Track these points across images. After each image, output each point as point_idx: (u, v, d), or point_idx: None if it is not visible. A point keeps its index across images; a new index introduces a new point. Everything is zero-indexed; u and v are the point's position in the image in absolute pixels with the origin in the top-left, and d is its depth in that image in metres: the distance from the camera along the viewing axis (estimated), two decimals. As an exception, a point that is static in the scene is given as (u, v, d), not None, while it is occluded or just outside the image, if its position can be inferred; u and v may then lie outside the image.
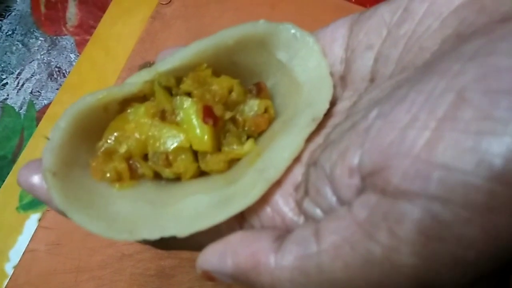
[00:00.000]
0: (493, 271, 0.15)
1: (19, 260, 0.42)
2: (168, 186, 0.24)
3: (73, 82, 0.48)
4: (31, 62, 0.50)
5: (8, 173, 0.46)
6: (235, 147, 0.24)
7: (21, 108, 0.48)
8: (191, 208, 0.21)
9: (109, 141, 0.23)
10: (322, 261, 0.16)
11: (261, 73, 0.25)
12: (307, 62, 0.23)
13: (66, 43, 0.51)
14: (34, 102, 0.49)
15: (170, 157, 0.23)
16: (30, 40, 0.51)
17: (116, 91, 0.23)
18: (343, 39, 0.23)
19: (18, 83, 0.49)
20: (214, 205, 0.21)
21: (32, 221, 0.45)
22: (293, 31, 0.23)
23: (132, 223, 0.21)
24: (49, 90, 0.49)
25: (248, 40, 0.23)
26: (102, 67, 0.48)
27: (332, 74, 0.23)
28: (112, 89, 0.22)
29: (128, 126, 0.23)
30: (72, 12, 0.52)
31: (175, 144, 0.23)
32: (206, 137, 0.22)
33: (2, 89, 0.49)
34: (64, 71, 0.50)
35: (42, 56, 0.50)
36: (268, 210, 0.21)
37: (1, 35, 0.51)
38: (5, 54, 0.50)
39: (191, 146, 0.23)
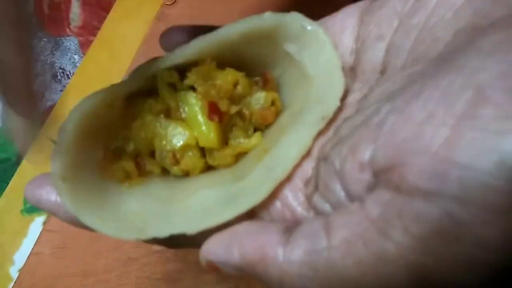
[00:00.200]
0: (505, 271, 0.14)
1: (24, 264, 0.42)
2: (176, 181, 0.23)
3: (77, 84, 0.48)
4: (34, 63, 0.50)
5: (12, 176, 0.46)
6: (242, 140, 0.23)
7: (25, 110, 0.48)
8: (199, 204, 0.21)
9: (115, 140, 0.23)
10: (332, 256, 0.16)
11: (267, 63, 0.24)
12: (318, 55, 0.23)
13: (70, 44, 0.51)
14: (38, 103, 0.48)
15: (177, 155, 0.23)
16: (34, 41, 0.50)
17: (119, 88, 0.22)
18: (353, 28, 0.23)
19: None
20: (223, 201, 0.21)
21: (37, 224, 0.44)
22: (301, 22, 0.22)
23: (142, 222, 0.21)
24: (53, 91, 0.49)
25: (254, 34, 0.22)
26: (107, 68, 0.48)
27: (342, 66, 0.22)
28: (115, 86, 0.22)
29: (134, 124, 0.23)
30: (76, 13, 0.52)
31: (182, 142, 0.22)
32: (212, 134, 0.22)
33: (5, 91, 0.49)
34: (68, 73, 0.49)
35: (46, 57, 0.50)
36: (277, 204, 0.21)
37: (4, 36, 0.51)
38: (9, 55, 0.50)
39: (197, 143, 0.23)
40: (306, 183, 0.20)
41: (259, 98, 0.24)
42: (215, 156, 0.23)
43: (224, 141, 0.23)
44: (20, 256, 0.43)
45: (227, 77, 0.23)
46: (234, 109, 0.23)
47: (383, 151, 0.16)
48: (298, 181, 0.21)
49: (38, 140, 0.22)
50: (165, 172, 0.24)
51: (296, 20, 0.22)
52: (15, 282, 0.41)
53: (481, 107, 0.14)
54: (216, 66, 0.23)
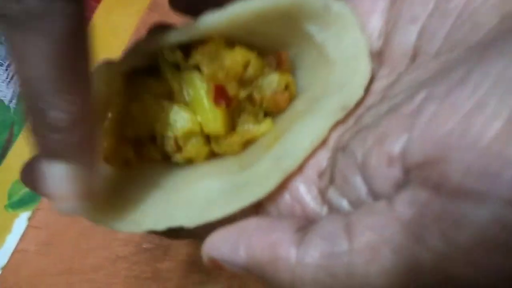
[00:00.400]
0: None
1: (8, 261, 0.41)
2: (178, 168, 0.22)
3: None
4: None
5: (-3, 168, 0.44)
6: (251, 126, 0.22)
7: (10, 102, 0.47)
8: (201, 194, 0.20)
9: (114, 122, 0.21)
10: (353, 262, 0.14)
11: (282, 41, 0.22)
12: (342, 38, 0.21)
13: (59, 34, 0.49)
14: (24, 95, 0.47)
15: (180, 142, 0.21)
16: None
17: (116, 65, 0.20)
18: (383, 9, 0.21)
19: (8, 75, 0.47)
20: (226, 192, 0.19)
21: (21, 220, 0.43)
22: (325, 1, 0.20)
23: (138, 213, 0.19)
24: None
25: (270, 13, 0.20)
26: (97, 60, 0.46)
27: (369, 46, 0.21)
28: (112, 63, 0.20)
29: (133, 107, 0.21)
30: (66, 2, 0.50)
31: (185, 128, 0.21)
32: (218, 120, 0.21)
33: (-9, 82, 0.47)
34: (57, 64, 0.48)
35: (34, 48, 0.48)
36: (287, 197, 0.19)
37: (-10, 25, 0.49)
38: (-6, 45, 0.48)
39: (202, 129, 0.21)
40: (320, 174, 0.19)
41: (272, 81, 0.22)
42: (221, 144, 0.21)
43: (231, 126, 0.22)
44: (4, 253, 0.41)
45: (237, 58, 0.21)
46: (243, 94, 0.21)
47: (419, 144, 0.14)
48: (311, 172, 0.19)
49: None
50: (166, 158, 0.22)
51: None
52: (-2, 280, 0.40)
53: None
54: (224, 44, 0.21)
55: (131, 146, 0.21)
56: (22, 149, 0.44)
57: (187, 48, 0.21)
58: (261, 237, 0.17)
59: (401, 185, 0.15)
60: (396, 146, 0.15)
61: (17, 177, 0.43)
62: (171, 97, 0.21)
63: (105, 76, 0.20)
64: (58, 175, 0.17)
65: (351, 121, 0.19)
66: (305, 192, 0.19)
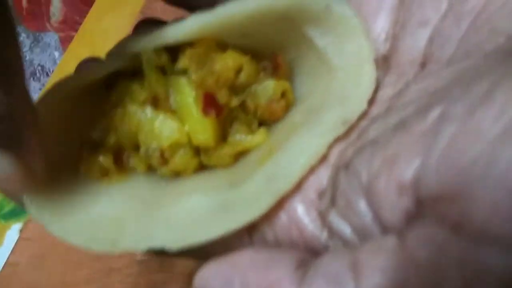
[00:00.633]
0: None
1: (-1, 274, 0.40)
2: (163, 181, 0.20)
3: (57, 82, 0.45)
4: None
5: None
6: (243, 137, 0.20)
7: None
8: (186, 212, 0.18)
9: (93, 131, 0.20)
10: None
11: (279, 44, 0.20)
12: (344, 44, 0.19)
13: (50, 40, 0.48)
14: (15, 103, 0.46)
15: (166, 153, 0.19)
16: (11, 36, 0.48)
17: (97, 70, 0.19)
18: (391, 10, 0.19)
19: None
20: (213, 211, 0.18)
21: (13, 231, 0.42)
22: (326, 1, 0.18)
23: (117, 229, 0.18)
24: (31, 90, 0.46)
25: (266, 15, 0.18)
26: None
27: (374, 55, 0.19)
28: (91, 68, 0.19)
29: (115, 114, 0.19)
30: (56, 7, 0.49)
31: (171, 139, 0.19)
32: (207, 131, 0.19)
33: (-20, 90, 0.46)
34: (47, 70, 0.47)
35: (24, 54, 0.47)
36: (283, 218, 0.17)
37: (-20, 31, 0.48)
38: (-16, 51, 0.48)
39: (190, 139, 0.19)
40: (320, 194, 0.17)
41: (267, 88, 0.20)
42: (211, 156, 0.19)
43: (222, 136, 0.20)
44: (-5, 267, 0.40)
45: (228, 62, 0.19)
46: (235, 102, 0.19)
47: (436, 173, 0.12)
48: (310, 191, 0.17)
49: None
50: (151, 169, 0.20)
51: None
52: (-12, 294, 0.39)
53: None
54: (215, 47, 0.19)
55: (111, 155, 0.20)
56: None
57: (174, 49, 0.19)
58: (257, 275, 0.15)
59: (412, 217, 0.13)
60: (408, 172, 0.13)
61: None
62: (156, 104, 0.19)
63: (82, 84, 0.19)
64: None
65: (354, 134, 0.18)
66: (303, 214, 0.17)
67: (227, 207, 0.17)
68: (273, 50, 0.20)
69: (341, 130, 0.18)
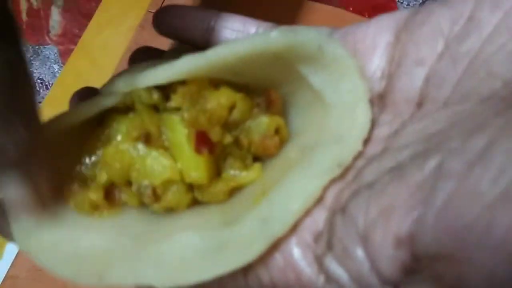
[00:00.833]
0: None
1: (-2, 289, 0.39)
2: (156, 216, 0.20)
3: (56, 95, 0.44)
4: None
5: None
6: (237, 173, 0.19)
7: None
8: (177, 250, 0.17)
9: (84, 165, 0.19)
10: None
11: (273, 80, 0.20)
12: (338, 82, 0.18)
13: (49, 53, 0.48)
14: (14, 116, 0.46)
15: (158, 190, 0.19)
16: (11, 50, 0.48)
17: (89, 108, 0.19)
18: (386, 47, 0.18)
19: None
20: (204, 251, 0.17)
21: (12, 245, 0.41)
22: (319, 42, 0.18)
23: (105, 263, 0.17)
24: (31, 103, 0.46)
25: (257, 56, 0.18)
26: (88, 78, 0.45)
27: (369, 93, 0.18)
28: (82, 105, 0.19)
29: (107, 150, 0.19)
30: (56, 20, 0.49)
31: (164, 176, 0.19)
32: (200, 168, 0.18)
33: (-20, 103, 0.46)
34: (47, 83, 0.47)
35: (24, 67, 0.47)
36: (279, 260, 0.16)
37: (-21, 44, 0.48)
38: (-16, 65, 0.47)
39: (183, 177, 0.19)
40: (317, 238, 0.16)
41: (260, 124, 0.19)
42: (205, 192, 0.19)
43: (216, 172, 0.19)
44: (-5, 280, 0.40)
45: (221, 100, 0.19)
46: (228, 138, 0.19)
47: (433, 232, 0.12)
48: (306, 233, 0.17)
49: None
50: (144, 204, 0.20)
51: (312, 39, 0.18)
52: (-12, 308, 0.39)
53: None
54: (208, 84, 0.19)
55: (100, 191, 0.19)
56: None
57: (166, 86, 0.19)
58: None
59: (409, 271, 0.13)
60: (405, 226, 0.13)
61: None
62: (149, 141, 0.19)
63: (75, 123, 0.19)
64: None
65: (350, 175, 0.17)
66: (299, 258, 0.16)
67: (219, 249, 0.17)
68: (266, 85, 0.20)
69: (336, 172, 0.17)
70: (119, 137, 0.19)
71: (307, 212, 0.17)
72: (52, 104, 0.44)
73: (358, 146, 0.18)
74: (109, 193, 0.20)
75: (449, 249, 0.11)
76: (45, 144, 0.18)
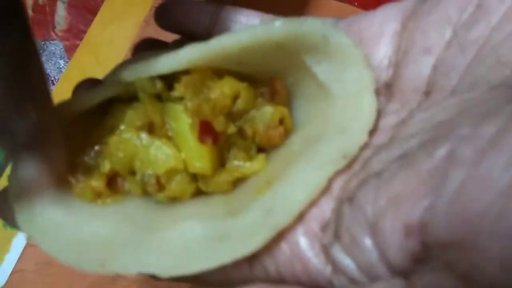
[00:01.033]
0: None
1: (6, 281, 0.39)
2: (159, 205, 0.19)
3: (62, 91, 0.44)
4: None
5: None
6: (241, 163, 0.19)
7: (7, 118, 0.46)
8: (180, 239, 0.17)
9: (88, 154, 0.19)
10: None
11: (276, 70, 0.19)
12: (343, 72, 0.18)
13: (55, 48, 0.48)
14: (21, 111, 0.46)
15: (162, 180, 0.19)
16: (17, 45, 0.48)
17: (92, 97, 0.19)
18: (393, 35, 0.18)
19: None
20: (207, 241, 0.17)
21: (20, 239, 0.41)
22: (323, 32, 0.17)
23: (108, 251, 0.17)
24: (37, 98, 0.46)
25: (260, 46, 0.18)
26: (93, 74, 0.45)
27: (375, 82, 0.18)
28: (88, 94, 0.19)
29: (111, 140, 0.19)
30: (61, 16, 0.49)
31: (167, 165, 0.18)
32: (204, 159, 0.18)
33: (-13, 98, 0.47)
34: (52, 78, 0.47)
35: (30, 63, 0.48)
36: (286, 250, 0.16)
37: (-14, 40, 0.48)
38: (-10, 60, 0.48)
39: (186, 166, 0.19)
40: (324, 227, 0.16)
41: (265, 114, 0.19)
42: (208, 182, 0.19)
43: (220, 162, 0.19)
44: (2, 273, 0.40)
45: (225, 89, 0.18)
46: (232, 128, 0.19)
47: (445, 220, 0.12)
48: (313, 223, 0.16)
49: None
50: (147, 192, 0.19)
51: (316, 29, 0.17)
52: (-4, 301, 0.40)
53: None
54: (211, 74, 0.19)
55: (103, 179, 0.19)
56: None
57: (170, 76, 0.18)
58: None
59: (419, 260, 0.13)
60: (415, 214, 0.13)
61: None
62: (152, 130, 0.19)
63: (77, 109, 0.18)
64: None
65: (356, 165, 0.17)
66: (306, 247, 0.16)
67: (223, 238, 0.17)
68: (270, 75, 0.20)
69: (342, 163, 0.17)
70: (122, 127, 0.19)
71: (314, 202, 0.17)
72: (58, 99, 0.44)
73: (364, 137, 0.17)
74: (113, 181, 0.19)
75: (461, 236, 0.11)
76: (58, 127, 0.18)
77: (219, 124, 0.18)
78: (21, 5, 0.15)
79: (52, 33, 0.49)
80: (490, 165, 0.11)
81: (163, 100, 0.19)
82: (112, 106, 0.19)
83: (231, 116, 0.19)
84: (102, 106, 0.20)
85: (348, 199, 0.16)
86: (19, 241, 0.41)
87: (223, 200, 0.19)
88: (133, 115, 0.19)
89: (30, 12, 0.49)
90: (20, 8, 0.15)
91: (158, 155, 0.18)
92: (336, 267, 0.15)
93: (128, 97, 0.19)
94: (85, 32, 0.48)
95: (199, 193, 0.19)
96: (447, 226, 0.12)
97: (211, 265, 0.16)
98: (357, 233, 0.15)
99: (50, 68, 0.47)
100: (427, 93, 0.17)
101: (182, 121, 0.18)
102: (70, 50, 0.48)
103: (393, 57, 0.18)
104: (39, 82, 0.16)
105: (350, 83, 0.18)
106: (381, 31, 0.18)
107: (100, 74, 0.45)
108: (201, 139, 0.18)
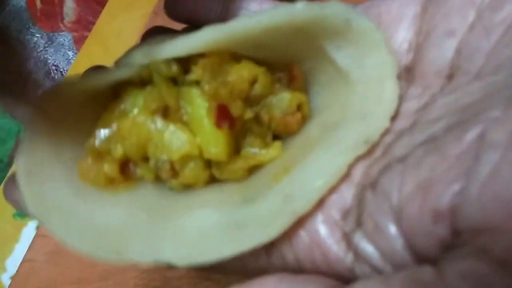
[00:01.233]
0: None
1: (17, 271, 0.40)
2: (172, 192, 0.19)
3: (71, 81, 0.45)
4: (27, 60, 0.48)
5: (4, 178, 0.44)
6: (257, 150, 0.19)
7: (17, 109, 0.46)
8: (195, 226, 0.17)
9: (98, 139, 0.18)
10: None
11: (295, 55, 0.19)
12: (364, 57, 0.18)
13: (64, 39, 0.48)
14: (30, 102, 0.46)
15: (176, 166, 0.18)
16: (26, 36, 0.48)
17: (105, 76, 0.18)
18: (413, 18, 0.18)
19: None
20: (223, 228, 0.16)
21: (29, 228, 0.42)
22: (346, 15, 0.17)
23: (122, 239, 0.17)
24: (46, 89, 0.46)
25: (281, 28, 0.17)
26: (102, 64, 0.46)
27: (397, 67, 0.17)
28: (100, 72, 0.18)
29: (123, 124, 0.18)
30: (70, 7, 0.50)
31: (182, 150, 0.18)
32: (220, 144, 0.18)
33: (-4, 89, 0.47)
34: (61, 70, 0.47)
35: (39, 54, 0.47)
36: (305, 238, 0.16)
37: (-5, 31, 0.49)
38: None
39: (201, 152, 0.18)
40: (344, 214, 0.16)
41: (282, 100, 0.19)
42: (223, 169, 0.18)
43: (235, 149, 0.19)
44: (12, 263, 0.40)
45: (243, 73, 0.18)
46: (249, 114, 0.18)
47: (478, 203, 0.11)
48: (333, 210, 0.16)
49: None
50: (160, 178, 0.19)
51: (339, 13, 0.17)
52: (7, 290, 0.40)
53: None
54: (229, 57, 0.18)
55: (116, 164, 0.19)
56: (29, 157, 0.44)
57: (186, 59, 0.18)
58: None
59: (448, 246, 0.12)
60: (445, 199, 0.12)
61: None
62: (167, 114, 0.18)
63: (90, 87, 0.18)
64: None
65: (378, 151, 0.16)
66: (326, 235, 0.16)
67: (239, 225, 0.16)
68: (287, 60, 0.19)
69: (362, 149, 0.17)
70: (136, 110, 0.18)
71: (334, 189, 0.16)
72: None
73: (385, 123, 0.17)
74: (124, 167, 0.19)
75: (497, 220, 0.11)
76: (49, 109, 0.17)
77: (236, 108, 0.18)
78: None
79: (61, 25, 0.49)
80: None
81: (178, 84, 0.18)
82: (123, 89, 0.19)
83: (248, 101, 0.18)
84: (113, 89, 0.19)
85: (371, 185, 0.15)
86: (29, 231, 0.42)
87: (238, 187, 0.18)
88: (147, 98, 0.18)
89: (39, 3, 0.50)
90: None
91: (173, 140, 0.18)
92: (358, 255, 0.15)
93: (140, 81, 0.19)
94: (93, 23, 0.48)
95: (212, 180, 0.19)
96: (480, 211, 0.11)
97: (228, 253, 0.16)
98: (381, 219, 0.14)
99: (59, 59, 0.47)
100: (450, 77, 0.16)
101: (198, 105, 0.18)
102: (78, 41, 0.48)
103: (414, 40, 0.18)
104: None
105: (371, 68, 0.18)
106: (400, 14, 0.18)
107: (108, 65, 0.45)
108: (218, 123, 0.17)
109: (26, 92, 0.47)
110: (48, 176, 0.17)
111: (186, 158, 0.18)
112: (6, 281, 0.40)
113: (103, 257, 0.16)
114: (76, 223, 0.17)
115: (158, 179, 0.19)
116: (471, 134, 0.12)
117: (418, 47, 0.17)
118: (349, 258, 0.15)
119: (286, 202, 0.16)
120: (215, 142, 0.18)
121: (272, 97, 0.19)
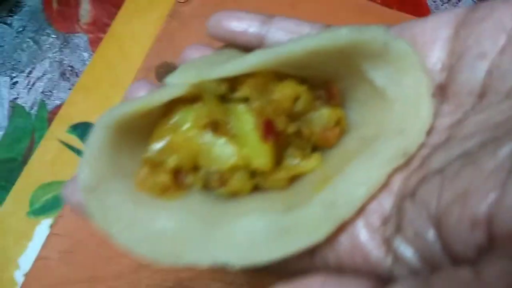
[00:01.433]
0: None
1: (30, 268, 0.40)
2: (218, 199, 0.21)
3: (86, 82, 0.45)
4: (42, 60, 0.48)
5: (18, 176, 0.44)
6: (298, 161, 0.20)
7: (32, 108, 0.46)
8: (245, 232, 0.18)
9: (153, 151, 0.20)
10: None
11: (333, 74, 0.21)
12: (402, 77, 0.19)
13: (79, 41, 0.49)
14: (45, 102, 0.46)
15: (225, 176, 0.20)
16: (42, 37, 0.49)
17: (157, 97, 0.19)
18: (446, 41, 0.19)
19: (29, 82, 0.47)
20: (271, 234, 0.18)
21: (43, 227, 0.42)
22: (384, 39, 0.19)
23: (179, 244, 0.18)
24: (61, 90, 0.46)
25: (324, 51, 0.19)
26: (117, 66, 0.46)
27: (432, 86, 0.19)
28: (152, 94, 0.19)
29: (176, 137, 0.20)
30: (86, 9, 0.50)
31: (230, 163, 0.20)
32: (266, 156, 0.19)
33: (12, 88, 0.47)
34: (77, 71, 0.48)
35: (54, 54, 0.48)
36: (346, 242, 0.17)
37: (12, 31, 0.49)
38: (16, 51, 0.48)
39: (247, 163, 0.20)
40: (384, 221, 0.17)
41: (322, 116, 0.21)
42: (267, 179, 0.20)
43: (278, 160, 0.20)
44: (26, 260, 0.41)
45: (287, 91, 0.20)
46: (292, 128, 0.20)
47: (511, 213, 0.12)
48: (373, 217, 0.17)
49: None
50: (206, 187, 0.21)
51: (378, 37, 0.19)
52: (20, 287, 0.40)
53: None
54: (273, 76, 0.20)
55: (170, 174, 0.20)
56: (43, 156, 0.44)
57: (231, 82, 0.20)
58: None
59: (484, 251, 0.13)
60: (482, 208, 0.13)
61: (39, 184, 0.43)
62: (216, 128, 0.20)
63: (145, 110, 0.19)
64: None
65: (415, 163, 0.18)
66: (367, 240, 0.17)
67: (285, 230, 0.18)
68: (326, 78, 0.21)
69: (401, 161, 0.18)
70: (187, 125, 0.20)
71: (373, 197, 0.18)
72: (82, 91, 0.45)
73: (421, 138, 0.18)
74: (176, 177, 0.21)
75: None
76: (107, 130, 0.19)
77: (280, 123, 0.20)
78: None
79: (77, 26, 0.50)
80: None
81: (227, 101, 0.20)
82: (173, 106, 0.20)
83: (290, 116, 0.20)
84: (163, 105, 0.21)
85: (410, 194, 0.17)
86: (42, 229, 0.42)
87: (280, 196, 0.20)
88: (198, 114, 0.20)
89: (55, 4, 0.50)
90: None
91: (222, 152, 0.20)
92: (398, 258, 0.16)
93: (190, 98, 0.20)
94: (109, 25, 0.48)
95: (255, 189, 0.21)
96: None
97: (278, 255, 0.17)
98: (420, 226, 0.15)
99: (74, 60, 0.48)
100: (482, 96, 0.18)
101: (245, 120, 0.20)
102: (94, 43, 0.49)
103: (447, 61, 0.19)
104: None
105: (407, 87, 0.19)
106: (434, 36, 0.19)
107: (124, 67, 0.46)
108: (264, 137, 0.19)
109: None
110: (109, 191, 0.19)
111: (234, 169, 0.20)
112: (20, 278, 0.40)
113: (163, 261, 0.18)
114: (138, 230, 0.19)
115: (205, 187, 0.21)
116: (505, 150, 0.14)
117: (451, 68, 0.19)
118: (388, 260, 0.16)
119: (330, 208, 0.18)
120: (261, 154, 0.19)
121: (313, 113, 0.21)
